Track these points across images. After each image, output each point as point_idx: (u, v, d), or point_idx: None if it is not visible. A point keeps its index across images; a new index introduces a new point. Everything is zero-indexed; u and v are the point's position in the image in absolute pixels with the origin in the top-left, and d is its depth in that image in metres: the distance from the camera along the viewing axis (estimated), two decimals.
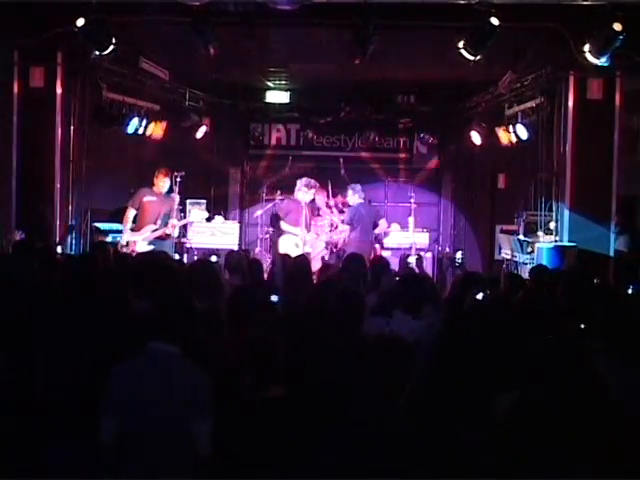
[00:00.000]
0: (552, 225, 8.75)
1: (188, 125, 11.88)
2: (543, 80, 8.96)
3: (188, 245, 10.69)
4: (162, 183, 9.11)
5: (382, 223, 10.15)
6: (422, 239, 11.48)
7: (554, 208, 8.77)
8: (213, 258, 7.85)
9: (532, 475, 2.99)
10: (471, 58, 7.72)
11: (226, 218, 11.82)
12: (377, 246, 10.45)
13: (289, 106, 12.96)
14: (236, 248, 10.45)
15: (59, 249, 8.69)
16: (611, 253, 8.44)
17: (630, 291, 6.18)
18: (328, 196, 11.39)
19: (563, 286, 5.49)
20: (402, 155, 13.58)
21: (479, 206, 12.50)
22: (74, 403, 3.83)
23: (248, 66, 10.83)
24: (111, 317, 4.28)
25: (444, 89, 11.88)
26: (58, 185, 8.82)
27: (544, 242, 8.64)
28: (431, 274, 10.63)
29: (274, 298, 5.96)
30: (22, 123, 8.74)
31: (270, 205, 11.96)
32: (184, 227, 10.38)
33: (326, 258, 10.31)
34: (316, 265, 9.53)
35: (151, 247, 8.64)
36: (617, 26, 7.14)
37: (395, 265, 8.07)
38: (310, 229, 10.08)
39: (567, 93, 8.54)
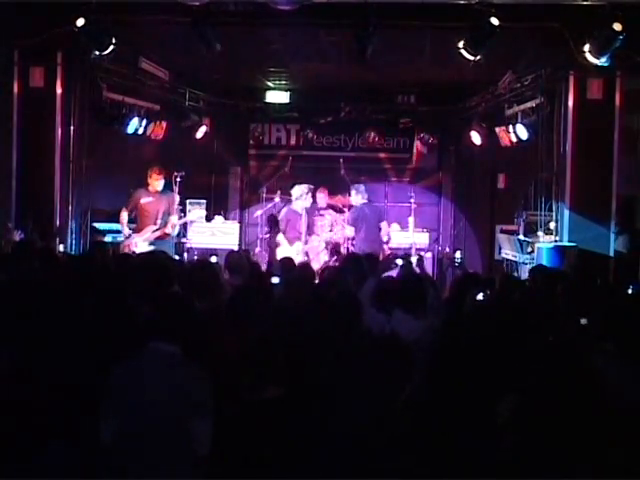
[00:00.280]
0: (552, 225, 8.75)
1: (188, 125, 11.88)
2: (543, 80, 8.96)
3: (188, 245, 10.69)
4: (156, 182, 9.10)
5: (383, 226, 10.16)
6: (422, 239, 11.49)
7: (554, 208, 8.77)
8: (213, 259, 7.84)
9: (533, 475, 2.99)
10: (471, 58, 7.73)
11: (226, 218, 11.82)
12: (385, 247, 10.48)
13: (289, 106, 12.95)
14: (236, 248, 10.45)
15: (61, 247, 8.72)
16: (611, 253, 8.44)
17: (630, 291, 6.17)
18: (330, 196, 11.41)
19: (563, 286, 5.49)
20: (402, 155, 13.58)
21: (479, 206, 12.50)
22: (74, 403, 3.83)
23: (248, 66, 10.83)
24: (111, 317, 4.28)
25: (444, 89, 11.88)
26: (58, 185, 8.82)
27: (544, 242, 8.64)
28: (431, 274, 10.64)
29: (275, 280, 5.98)
30: (22, 123, 8.74)
31: (270, 205, 11.97)
32: (184, 227, 10.38)
33: (326, 258, 10.32)
34: (316, 265, 9.57)
35: (152, 247, 8.64)
36: (617, 26, 7.14)
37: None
38: (311, 234, 10.04)
39: (567, 93, 8.53)
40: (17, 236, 8.02)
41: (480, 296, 5.11)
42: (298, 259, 9.50)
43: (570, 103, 8.50)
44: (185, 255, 10.44)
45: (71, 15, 7.67)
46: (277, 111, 13.06)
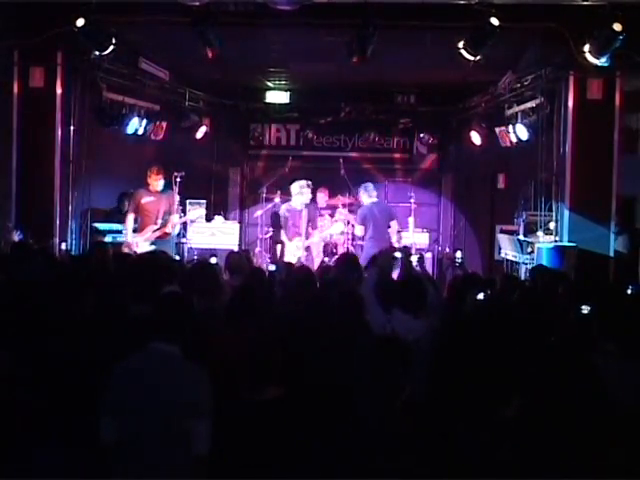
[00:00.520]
0: (552, 225, 8.75)
1: (188, 125, 11.88)
2: (543, 80, 8.96)
3: (188, 245, 10.69)
4: (155, 182, 9.10)
5: (393, 225, 10.14)
6: (422, 239, 11.50)
7: (554, 208, 8.77)
8: (213, 260, 7.84)
9: (533, 475, 2.99)
10: (471, 58, 7.73)
11: (226, 218, 11.83)
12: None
13: (289, 106, 12.96)
14: (236, 248, 10.46)
15: (63, 246, 8.72)
16: (611, 253, 8.43)
17: (629, 291, 6.17)
18: (330, 196, 11.42)
19: (564, 286, 5.50)
20: (402, 155, 13.58)
21: (479, 206, 12.50)
22: (74, 403, 3.83)
23: (248, 66, 10.83)
24: (110, 317, 4.29)
25: (444, 89, 11.88)
26: (58, 185, 8.81)
27: (544, 242, 8.64)
28: (431, 274, 10.63)
29: (272, 267, 5.99)
30: (22, 123, 8.73)
31: (270, 205, 11.98)
32: (184, 227, 10.38)
33: (325, 258, 10.32)
34: (317, 260, 9.59)
35: (153, 247, 8.64)
36: (617, 26, 7.14)
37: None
38: (311, 233, 10.03)
39: (567, 93, 8.53)
40: (16, 236, 8.01)
41: (481, 296, 5.11)
42: (298, 254, 9.53)
43: (570, 103, 8.50)
44: (185, 255, 10.44)
45: (71, 15, 7.67)
46: (277, 111, 13.06)
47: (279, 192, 11.82)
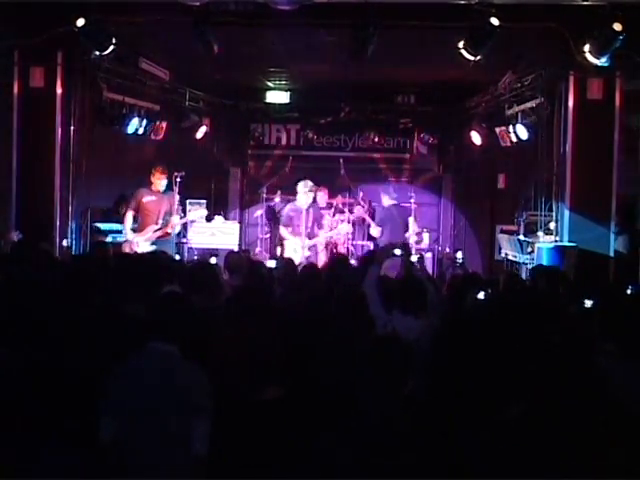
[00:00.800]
0: (552, 225, 8.75)
1: (188, 125, 11.88)
2: (543, 80, 8.96)
3: (188, 245, 10.69)
4: (159, 181, 9.11)
5: (411, 227, 10.29)
6: (422, 239, 11.50)
7: (554, 208, 8.77)
8: (213, 260, 7.85)
9: (534, 475, 2.99)
10: (471, 58, 7.73)
11: (226, 218, 11.83)
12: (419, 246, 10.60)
13: (289, 106, 12.96)
14: (236, 248, 10.45)
15: (64, 242, 8.72)
16: (611, 253, 8.43)
17: (629, 291, 6.17)
18: (330, 196, 11.41)
19: (564, 286, 5.50)
20: (402, 155, 13.58)
21: (479, 206, 12.50)
22: (73, 403, 3.83)
23: (248, 66, 10.83)
24: (110, 317, 4.29)
25: (444, 89, 11.88)
26: (58, 185, 8.81)
27: (544, 242, 8.64)
28: (431, 274, 10.63)
29: (272, 264, 5.99)
30: (22, 123, 8.73)
31: (271, 204, 12.00)
32: (184, 227, 10.38)
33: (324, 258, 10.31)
34: (320, 260, 9.57)
35: (153, 247, 8.64)
36: (617, 26, 7.14)
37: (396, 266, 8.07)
38: (316, 233, 10.02)
39: (567, 93, 8.53)
40: (16, 236, 8.01)
41: (481, 295, 5.11)
42: (302, 253, 9.53)
43: (570, 103, 8.50)
44: (185, 255, 10.44)
45: (71, 15, 7.67)
46: (277, 111, 13.06)
47: (279, 192, 11.83)
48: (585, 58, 7.70)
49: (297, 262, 7.53)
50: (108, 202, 10.29)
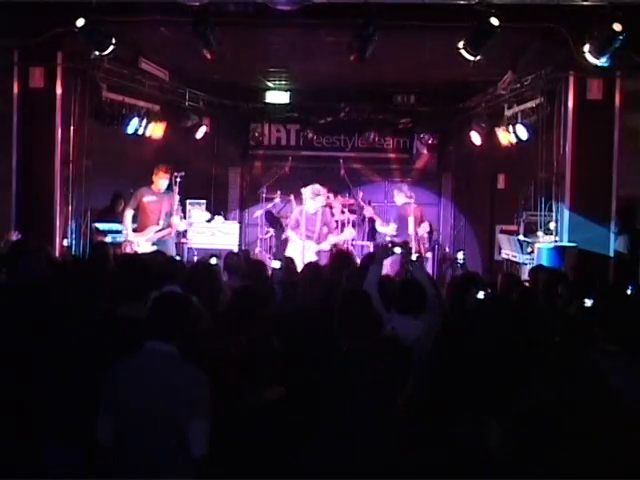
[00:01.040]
0: (552, 225, 8.74)
1: (188, 125, 11.88)
2: (543, 80, 8.95)
3: (188, 245, 10.69)
4: (162, 180, 9.12)
5: (424, 226, 10.35)
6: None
7: (554, 208, 8.76)
8: (213, 260, 7.84)
9: (535, 475, 2.99)
10: (471, 58, 7.72)
11: (226, 218, 11.82)
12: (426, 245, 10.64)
13: (289, 106, 12.96)
14: (236, 249, 10.45)
15: (65, 242, 8.72)
16: (611, 253, 8.43)
17: (629, 292, 6.17)
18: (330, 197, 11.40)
19: (563, 286, 5.50)
20: (402, 155, 13.58)
21: (479, 206, 12.50)
22: (72, 403, 3.83)
23: (248, 66, 10.83)
24: (109, 317, 4.29)
25: (444, 89, 11.88)
26: (58, 185, 8.81)
27: (544, 242, 8.64)
28: (431, 274, 10.62)
29: (276, 264, 5.98)
30: (22, 123, 8.73)
31: (270, 205, 11.98)
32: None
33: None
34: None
35: (154, 247, 8.64)
36: (617, 26, 7.14)
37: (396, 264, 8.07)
38: (323, 237, 10.00)
39: (567, 93, 8.53)
40: (15, 237, 8.01)
41: (481, 294, 5.11)
42: (307, 257, 9.53)
43: (570, 103, 8.50)
44: (185, 255, 10.44)
45: (71, 15, 7.66)
46: (277, 111, 13.06)
47: (279, 192, 11.82)
48: (585, 58, 7.70)
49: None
50: (108, 202, 10.29)
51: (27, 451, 3.81)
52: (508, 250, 9.86)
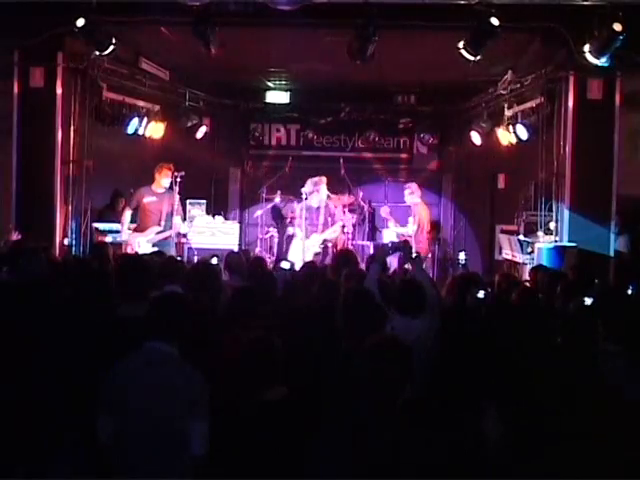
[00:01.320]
0: (552, 225, 8.74)
1: (188, 125, 11.87)
2: (543, 80, 8.96)
3: (188, 245, 10.68)
4: (165, 179, 9.13)
5: (426, 227, 10.48)
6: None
7: (554, 208, 8.77)
8: (214, 260, 7.85)
9: (535, 475, 2.99)
10: (471, 58, 7.73)
11: (226, 218, 11.81)
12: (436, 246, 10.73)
13: (289, 106, 12.96)
14: (236, 248, 10.44)
15: (66, 241, 8.72)
16: (611, 253, 8.43)
17: (630, 292, 6.17)
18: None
19: (563, 286, 5.49)
20: (402, 155, 13.58)
21: (479, 206, 12.50)
22: (72, 402, 3.83)
23: (248, 66, 10.83)
24: (109, 317, 4.29)
25: (444, 89, 11.87)
26: (58, 185, 8.81)
27: (544, 242, 8.64)
28: (431, 274, 10.63)
29: (286, 265, 5.98)
30: (22, 123, 8.74)
31: (270, 206, 11.97)
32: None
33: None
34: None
35: (155, 248, 8.63)
36: (617, 26, 7.14)
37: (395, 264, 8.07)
38: (333, 223, 10.04)
39: (567, 93, 8.53)
40: (15, 237, 8.01)
41: (481, 294, 5.11)
42: (313, 250, 9.56)
43: (570, 103, 8.50)
44: (185, 255, 10.43)
45: (71, 15, 7.67)
46: (277, 111, 13.06)
47: (279, 192, 11.81)
48: (585, 58, 7.70)
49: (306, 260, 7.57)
50: (108, 202, 10.29)
51: (27, 451, 3.81)
52: (508, 250, 9.86)
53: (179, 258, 8.75)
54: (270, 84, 12.44)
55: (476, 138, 11.38)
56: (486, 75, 10.09)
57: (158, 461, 3.33)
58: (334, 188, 11.68)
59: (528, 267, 8.65)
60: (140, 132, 10.38)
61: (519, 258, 9.24)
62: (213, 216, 11.12)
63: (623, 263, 8.54)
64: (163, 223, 9.07)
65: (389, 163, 13.53)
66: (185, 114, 11.63)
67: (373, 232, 12.48)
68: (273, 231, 11.72)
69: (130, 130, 10.14)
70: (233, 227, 11.11)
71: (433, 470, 2.99)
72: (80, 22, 7.61)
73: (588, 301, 4.49)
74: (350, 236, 11.16)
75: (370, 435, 3.00)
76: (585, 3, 7.36)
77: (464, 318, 4.91)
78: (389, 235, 11.13)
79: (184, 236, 10.53)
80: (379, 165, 13.47)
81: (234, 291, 4.89)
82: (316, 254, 9.66)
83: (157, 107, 11.07)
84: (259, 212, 12.01)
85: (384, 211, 11.13)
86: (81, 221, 9.16)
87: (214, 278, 5.38)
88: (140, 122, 10.25)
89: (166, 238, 9.09)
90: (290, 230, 10.07)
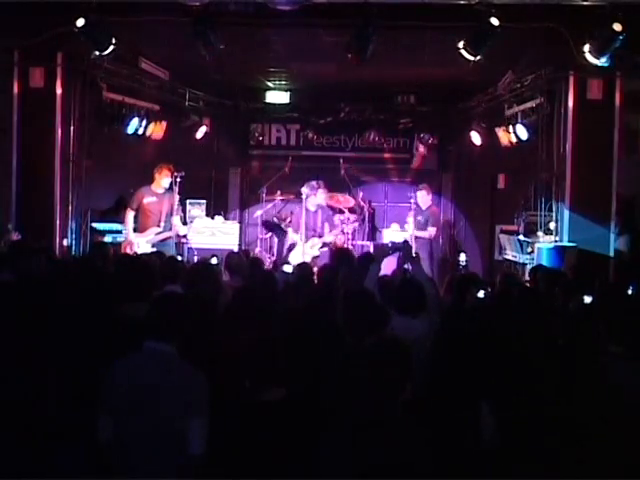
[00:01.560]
0: (552, 225, 8.75)
1: (188, 125, 11.88)
2: (543, 80, 8.96)
3: (188, 245, 10.68)
4: (165, 179, 9.13)
5: (430, 229, 10.54)
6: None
7: (554, 208, 8.77)
8: (214, 260, 7.85)
9: (535, 475, 2.99)
10: (471, 58, 7.73)
11: (226, 218, 11.81)
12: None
13: (289, 106, 12.96)
14: (236, 248, 10.44)
15: (65, 242, 8.73)
16: (611, 253, 8.43)
17: (630, 292, 6.17)
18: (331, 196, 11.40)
19: (562, 286, 5.50)
20: (402, 155, 13.57)
21: (479, 206, 12.49)
22: (72, 402, 3.83)
23: (248, 66, 10.82)
24: (109, 316, 4.29)
25: (444, 89, 11.87)
26: (58, 185, 8.81)
27: (544, 242, 8.64)
28: (431, 274, 10.62)
29: (288, 268, 5.98)
30: (22, 123, 8.74)
31: (270, 206, 11.97)
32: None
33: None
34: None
35: (155, 249, 8.63)
36: (617, 26, 7.15)
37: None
38: (332, 228, 10.02)
39: (567, 93, 8.53)
40: (15, 237, 8.01)
41: (481, 293, 5.11)
42: (312, 254, 9.55)
43: (570, 103, 8.50)
44: (185, 255, 10.43)
45: (71, 15, 7.66)
46: (277, 111, 13.06)
47: (279, 192, 11.81)
48: (585, 58, 7.71)
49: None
50: (108, 202, 10.29)
51: (27, 451, 3.81)
52: (508, 250, 9.86)
53: (179, 258, 8.76)
54: (270, 84, 12.43)
55: (476, 138, 11.39)
56: (486, 75, 10.09)
57: (158, 461, 3.33)
58: (334, 188, 11.71)
59: (528, 267, 8.65)
60: (140, 132, 10.38)
61: (519, 258, 9.24)
62: (213, 216, 11.12)
63: (623, 263, 8.54)
64: (163, 224, 9.07)
65: (389, 163, 13.53)
66: (185, 114, 11.64)
67: (373, 232, 12.48)
68: (277, 239, 11.71)
69: (130, 130, 10.15)
70: (233, 227, 11.11)
71: (433, 470, 2.99)
72: (80, 22, 7.61)
73: (587, 299, 4.50)
74: (350, 236, 11.16)
75: (370, 435, 3.00)
76: (585, 3, 7.36)
77: (464, 318, 4.91)
78: (389, 235, 11.12)
79: (184, 236, 10.53)
80: (379, 165, 13.47)
81: (234, 291, 4.89)
82: (315, 257, 9.64)
83: (157, 107, 11.07)
84: (259, 212, 12.01)
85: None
86: (81, 221, 9.16)
87: (214, 278, 5.38)
88: (140, 122, 10.25)
89: (166, 239, 9.09)
90: (290, 238, 10.06)
